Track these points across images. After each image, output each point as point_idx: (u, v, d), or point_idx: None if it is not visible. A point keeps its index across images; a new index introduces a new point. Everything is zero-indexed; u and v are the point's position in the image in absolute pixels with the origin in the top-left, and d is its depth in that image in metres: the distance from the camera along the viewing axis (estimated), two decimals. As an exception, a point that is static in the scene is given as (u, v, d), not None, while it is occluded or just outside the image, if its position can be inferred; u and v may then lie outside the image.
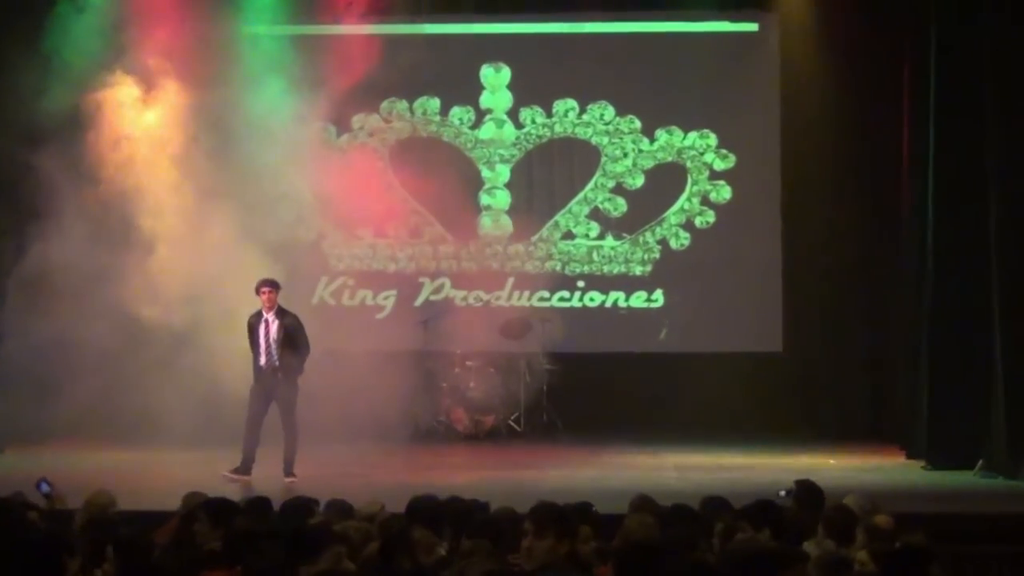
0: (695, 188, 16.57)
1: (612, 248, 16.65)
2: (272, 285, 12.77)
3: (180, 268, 14.22)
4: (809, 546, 6.22)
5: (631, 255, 16.63)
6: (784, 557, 5.55)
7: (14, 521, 7.36)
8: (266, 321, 12.74)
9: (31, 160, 14.01)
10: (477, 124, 16.70)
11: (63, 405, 13.74)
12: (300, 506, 7.77)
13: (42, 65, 14.36)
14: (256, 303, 12.81)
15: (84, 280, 13.85)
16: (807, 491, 8.34)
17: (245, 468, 12.59)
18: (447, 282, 16.68)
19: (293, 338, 12.73)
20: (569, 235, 16.68)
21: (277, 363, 12.66)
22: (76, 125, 14.38)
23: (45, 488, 8.78)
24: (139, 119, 14.69)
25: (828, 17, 15.84)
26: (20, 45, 14.44)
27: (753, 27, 16.55)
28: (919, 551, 5.79)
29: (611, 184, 16.64)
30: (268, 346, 12.70)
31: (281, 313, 12.76)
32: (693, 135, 16.54)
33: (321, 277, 16.47)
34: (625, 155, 16.60)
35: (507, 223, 16.72)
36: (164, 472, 12.76)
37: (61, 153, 14.09)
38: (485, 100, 16.69)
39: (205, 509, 7.37)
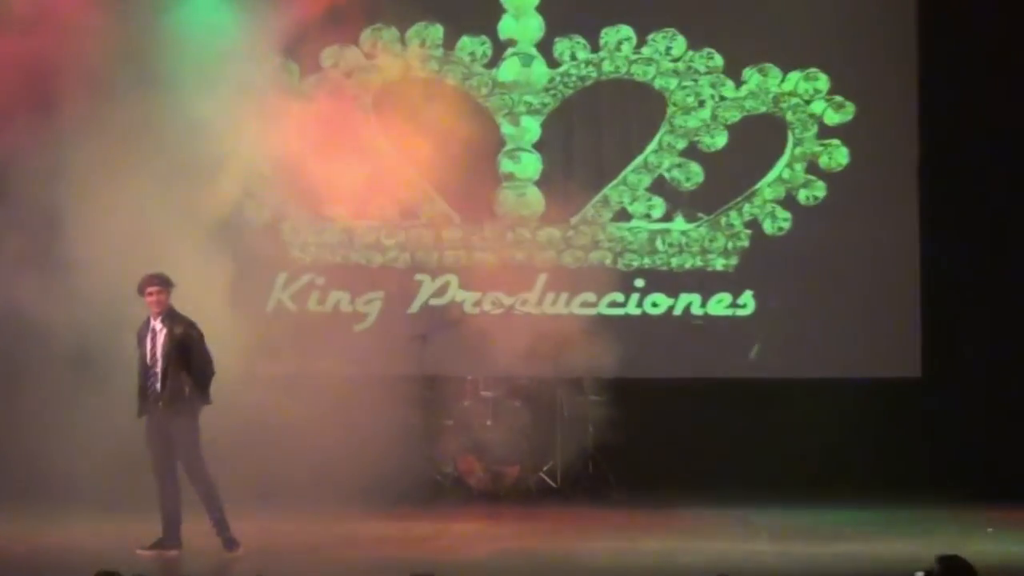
0: (798, 150, 16.69)
1: (683, 233, 16.73)
2: (160, 283, 12.58)
3: (80, 263, 14.21)
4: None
5: (710, 243, 16.71)
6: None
7: None
8: (153, 330, 12.62)
9: None
10: (495, 61, 16.78)
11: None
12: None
13: None
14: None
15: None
16: (958, 570, 8.00)
17: (170, 537, 12.44)
18: (453, 280, 16.73)
19: (184, 353, 12.50)
20: (623, 215, 16.78)
21: (159, 388, 12.51)
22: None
23: None
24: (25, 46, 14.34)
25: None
26: None
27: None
28: None
29: (682, 145, 16.73)
30: (154, 364, 12.56)
31: (171, 318, 12.59)
32: (796, 76, 16.63)
33: (279, 273, 16.54)
34: (701, 104, 16.70)
35: (537, 199, 16.80)
36: (66, 544, 12.62)
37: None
38: (506, 28, 16.77)
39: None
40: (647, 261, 16.67)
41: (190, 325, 12.57)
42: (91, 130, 14.27)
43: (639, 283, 16.67)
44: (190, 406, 12.46)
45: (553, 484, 15.87)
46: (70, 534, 13.02)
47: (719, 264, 16.63)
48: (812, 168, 16.56)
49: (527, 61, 16.64)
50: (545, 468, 15.95)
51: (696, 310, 16.65)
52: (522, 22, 16.62)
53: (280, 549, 12.30)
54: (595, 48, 16.62)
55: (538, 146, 16.74)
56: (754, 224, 16.63)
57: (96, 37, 14.40)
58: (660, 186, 16.66)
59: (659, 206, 16.65)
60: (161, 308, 12.48)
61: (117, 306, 13.61)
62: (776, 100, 16.56)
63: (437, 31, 16.58)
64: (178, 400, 12.41)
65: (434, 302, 16.68)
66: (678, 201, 16.64)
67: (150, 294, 12.48)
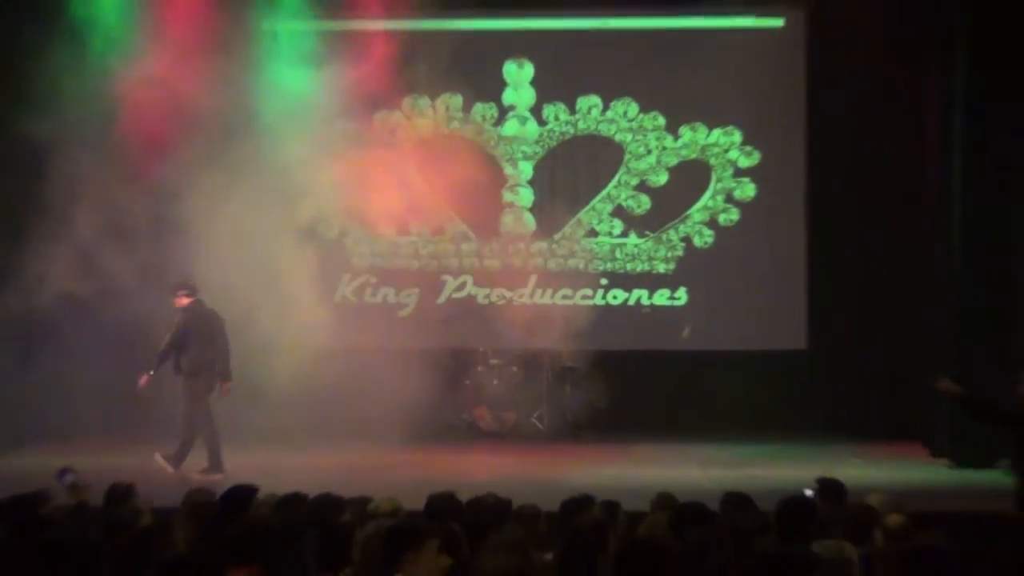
0: (719, 185, 16.59)
1: (635, 246, 16.68)
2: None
3: (200, 263, 14.05)
4: (820, 546, 6.21)
5: (654, 253, 16.66)
6: (793, 563, 5.56)
7: (36, 520, 7.25)
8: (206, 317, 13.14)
9: (57, 149, 13.79)
10: (500, 121, 16.73)
11: (87, 403, 13.83)
12: (329, 503, 7.71)
13: (68, 47, 14.17)
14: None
15: (110, 274, 13.85)
16: (832, 488, 8.31)
17: (215, 464, 12.85)
18: (469, 279, 16.70)
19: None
20: (592, 232, 16.71)
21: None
22: (103, 112, 14.21)
23: (68, 479, 8.54)
24: (166, 108, 14.39)
25: (854, 13, 15.63)
26: (46, 26, 14.36)
27: (779, 22, 16.52)
28: (932, 551, 5.76)
29: (635, 181, 16.65)
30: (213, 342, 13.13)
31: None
32: (717, 132, 16.54)
33: (343, 274, 16.52)
34: (649, 152, 16.62)
35: (530, 220, 16.76)
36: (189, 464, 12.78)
37: (88, 140, 13.95)
38: (508, 97, 16.72)
39: (223, 502, 7.43)
40: (609, 266, 16.64)
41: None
42: (208, 162, 14.08)
43: (603, 282, 16.63)
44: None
45: (540, 427, 15.98)
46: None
47: (661, 268, 16.62)
48: (729, 199, 16.53)
49: (523, 121, 16.66)
50: (535, 415, 16.07)
51: (644, 301, 16.60)
52: (520, 92, 16.64)
53: (345, 471, 12.25)
54: (572, 112, 16.59)
55: (531, 182, 16.72)
56: (687, 239, 16.59)
57: (212, 90, 14.32)
58: (619, 212, 16.63)
59: (618, 226, 16.63)
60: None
61: (229, 292, 13.64)
62: (703, 149, 16.52)
63: (457, 100, 16.58)
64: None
65: (455, 295, 16.64)
66: (632, 223, 16.63)
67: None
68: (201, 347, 13.01)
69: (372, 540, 6.18)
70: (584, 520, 6.64)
